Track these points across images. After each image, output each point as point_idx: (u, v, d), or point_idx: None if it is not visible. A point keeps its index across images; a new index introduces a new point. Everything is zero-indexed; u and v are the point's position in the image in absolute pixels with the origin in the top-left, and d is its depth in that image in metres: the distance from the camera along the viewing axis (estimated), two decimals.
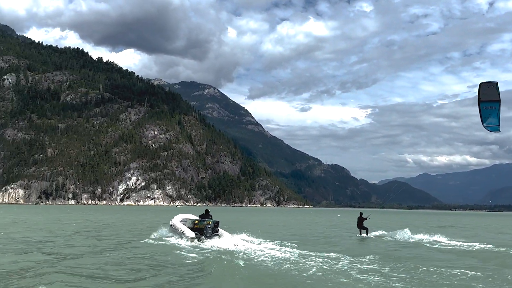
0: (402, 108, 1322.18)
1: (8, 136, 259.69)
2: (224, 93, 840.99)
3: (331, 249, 21.78)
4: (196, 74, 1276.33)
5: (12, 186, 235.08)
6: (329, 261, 17.58)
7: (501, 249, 24.02)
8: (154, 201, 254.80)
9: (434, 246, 25.81)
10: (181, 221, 26.71)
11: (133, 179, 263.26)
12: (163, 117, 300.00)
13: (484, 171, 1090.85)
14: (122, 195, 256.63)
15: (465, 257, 21.02)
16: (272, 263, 16.96)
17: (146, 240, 25.39)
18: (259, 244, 23.35)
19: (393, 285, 13.48)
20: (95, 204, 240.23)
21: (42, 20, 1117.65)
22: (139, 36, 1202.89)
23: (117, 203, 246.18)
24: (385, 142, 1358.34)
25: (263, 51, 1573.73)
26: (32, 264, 15.18)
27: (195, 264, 16.93)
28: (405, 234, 32.05)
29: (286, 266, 16.16)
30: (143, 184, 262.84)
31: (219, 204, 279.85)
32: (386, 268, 16.23)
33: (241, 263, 16.42)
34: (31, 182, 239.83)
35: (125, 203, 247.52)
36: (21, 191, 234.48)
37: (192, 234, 24.16)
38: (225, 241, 23.65)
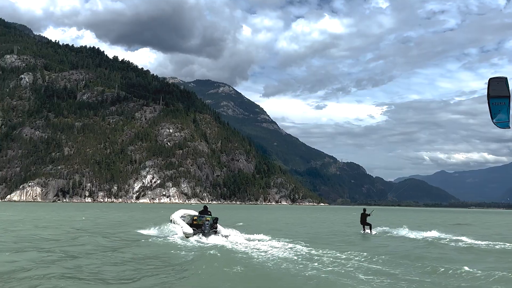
0: (419, 105, 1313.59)
1: (26, 135, 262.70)
2: (239, 91, 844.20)
3: (340, 248, 20.97)
4: (211, 72, 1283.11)
5: (30, 184, 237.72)
6: (336, 261, 16.73)
7: None
8: (170, 199, 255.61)
9: (453, 244, 24.75)
10: (181, 217, 26.33)
11: (149, 177, 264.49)
12: (178, 115, 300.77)
13: (502, 169, 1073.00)
14: (137, 193, 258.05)
15: (486, 256, 20.00)
16: (272, 262, 16.09)
17: (144, 234, 25.63)
18: (260, 241, 22.75)
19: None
20: (111, 202, 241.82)
21: (58, 20, 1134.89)
22: (155, 35, 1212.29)
23: (133, 201, 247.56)
24: (401, 139, 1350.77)
25: (278, 48, 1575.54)
26: (24, 264, 14.67)
27: (186, 261, 16.37)
28: (418, 232, 31.96)
29: (284, 265, 15.33)
30: (158, 182, 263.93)
31: (234, 202, 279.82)
32: (397, 270, 15.37)
33: (234, 260, 16.01)
34: (48, 180, 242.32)
35: (141, 201, 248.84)
36: (38, 189, 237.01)
37: (190, 230, 23.71)
38: (222, 238, 23.20)
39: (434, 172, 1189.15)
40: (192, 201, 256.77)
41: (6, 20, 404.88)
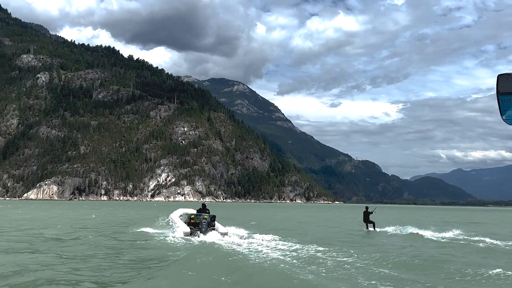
0: (435, 103, 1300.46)
1: (42, 134, 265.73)
2: (254, 89, 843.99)
3: (342, 247, 20.45)
4: (225, 71, 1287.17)
5: (46, 182, 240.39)
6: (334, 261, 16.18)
7: None
8: (184, 197, 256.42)
9: (472, 244, 24.02)
10: (179, 216, 26.13)
11: (164, 175, 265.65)
12: (193, 113, 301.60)
13: None
14: (152, 191, 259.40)
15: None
16: (268, 263, 15.45)
17: (143, 234, 25.62)
18: (264, 241, 22.25)
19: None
20: (127, 200, 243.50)
21: (74, 20, 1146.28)
22: (169, 34, 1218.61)
23: (148, 199, 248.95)
24: (417, 137, 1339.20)
25: (293, 46, 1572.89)
26: (23, 262, 14.50)
27: (173, 261, 15.94)
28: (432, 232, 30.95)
29: (281, 266, 14.65)
30: (173, 180, 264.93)
31: (248, 200, 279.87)
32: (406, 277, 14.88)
33: (222, 260, 15.74)
34: (65, 179, 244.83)
35: (156, 199, 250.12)
36: (55, 188, 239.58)
37: (186, 229, 23.42)
38: (219, 236, 22.81)
39: (451, 170, 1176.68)
40: (207, 199, 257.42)
41: (22, 20, 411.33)
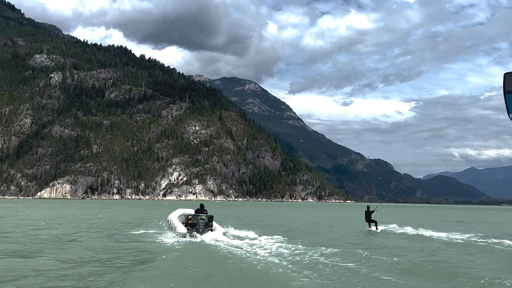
0: (448, 101, 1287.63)
1: (55, 133, 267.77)
2: (265, 88, 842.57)
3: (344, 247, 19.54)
4: (237, 70, 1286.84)
5: (59, 181, 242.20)
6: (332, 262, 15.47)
7: None
8: (196, 196, 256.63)
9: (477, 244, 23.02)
10: (178, 217, 25.76)
11: (175, 174, 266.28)
12: (204, 112, 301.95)
13: None
14: (164, 190, 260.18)
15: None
16: (261, 265, 14.79)
17: (141, 234, 25.49)
18: (266, 241, 21.49)
19: None
20: (139, 199, 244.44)
21: (87, 20, 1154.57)
22: (181, 34, 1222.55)
23: (160, 198, 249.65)
24: (430, 135, 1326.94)
25: (304, 45, 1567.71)
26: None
27: (162, 259, 15.66)
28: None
29: (273, 271, 13.82)
30: (185, 179, 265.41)
31: (259, 199, 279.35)
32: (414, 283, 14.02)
33: (211, 260, 15.44)
34: (78, 178, 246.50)
35: (168, 198, 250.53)
36: (67, 186, 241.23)
37: (184, 230, 23.04)
38: (217, 236, 22.27)
39: (464, 169, 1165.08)
40: (218, 198, 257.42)
41: (36, 21, 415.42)
